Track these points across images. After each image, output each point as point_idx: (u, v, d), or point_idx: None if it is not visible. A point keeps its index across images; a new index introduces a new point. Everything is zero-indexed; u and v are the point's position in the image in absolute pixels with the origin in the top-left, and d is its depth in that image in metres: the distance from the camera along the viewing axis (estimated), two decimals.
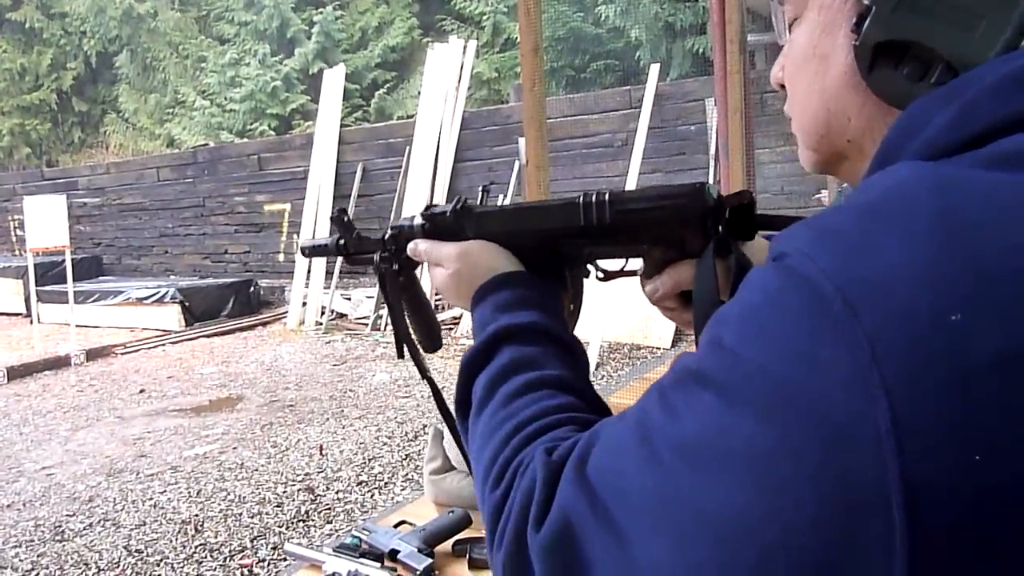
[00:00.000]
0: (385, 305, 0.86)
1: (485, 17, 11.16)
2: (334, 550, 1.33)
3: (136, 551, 3.12)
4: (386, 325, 7.14)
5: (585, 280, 0.79)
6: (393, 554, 1.28)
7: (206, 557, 3.02)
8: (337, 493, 3.55)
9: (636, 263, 0.75)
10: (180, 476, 3.90)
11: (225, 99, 12.16)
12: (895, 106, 0.43)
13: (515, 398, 0.58)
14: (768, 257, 0.37)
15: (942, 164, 0.36)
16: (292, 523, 3.27)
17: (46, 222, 6.98)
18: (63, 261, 7.69)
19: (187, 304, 7.96)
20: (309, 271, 7.73)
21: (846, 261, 0.33)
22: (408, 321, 0.87)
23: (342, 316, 7.73)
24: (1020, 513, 0.29)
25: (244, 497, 3.57)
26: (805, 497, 0.31)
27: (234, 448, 4.27)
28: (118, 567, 3.00)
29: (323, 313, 7.56)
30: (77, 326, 7.50)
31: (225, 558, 3.01)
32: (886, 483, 0.30)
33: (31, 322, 8.35)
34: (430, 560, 1.26)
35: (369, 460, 3.95)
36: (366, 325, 7.28)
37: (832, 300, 0.32)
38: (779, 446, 0.32)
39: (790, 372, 0.33)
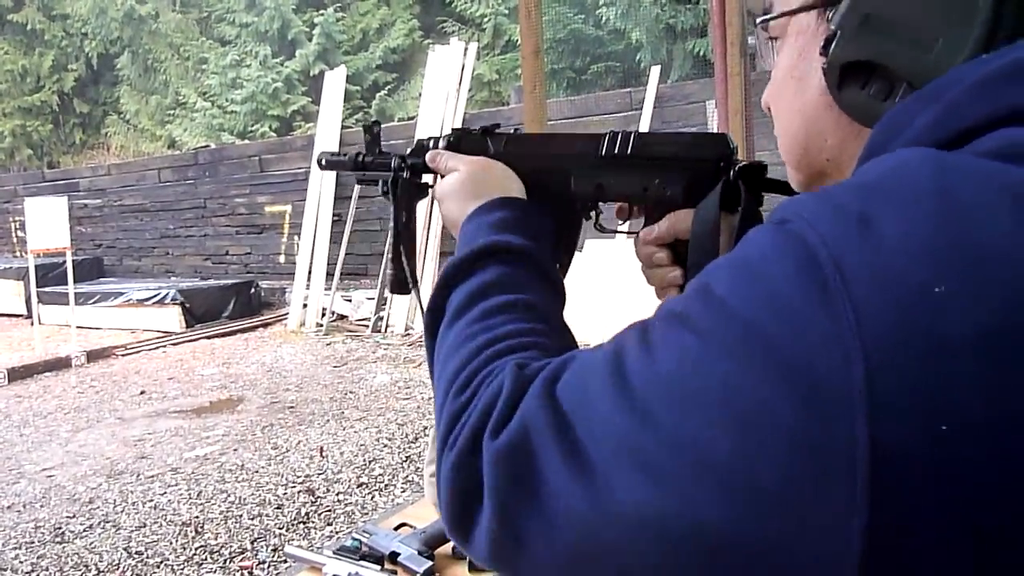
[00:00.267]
0: (392, 219, 0.88)
1: (486, 19, 11.16)
2: (334, 552, 1.33)
3: (136, 553, 3.11)
4: (387, 327, 7.15)
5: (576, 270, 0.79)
6: (393, 556, 1.28)
7: (206, 559, 3.02)
8: (337, 495, 3.55)
9: (635, 227, 0.76)
10: (180, 478, 3.90)
11: (226, 100, 12.16)
12: (865, 124, 0.45)
13: (493, 314, 0.58)
14: (770, 219, 0.38)
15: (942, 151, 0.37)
16: (292, 525, 3.27)
17: (47, 223, 6.98)
18: (64, 262, 7.69)
19: (188, 305, 7.96)
20: (310, 273, 7.73)
21: (844, 231, 0.34)
22: (391, 250, 0.87)
23: (343, 318, 7.73)
24: (980, 485, 0.30)
25: (244, 499, 3.57)
26: (776, 446, 0.32)
27: (234, 450, 4.27)
28: (118, 569, 3.00)
29: (324, 314, 7.56)
30: (78, 327, 7.50)
31: (225, 560, 3.01)
32: (854, 443, 0.31)
33: (32, 323, 8.34)
34: (430, 563, 1.26)
35: (369, 462, 3.94)
36: (367, 327, 7.28)
37: (825, 265, 0.33)
38: (755, 394, 0.33)
39: (775, 327, 0.34)
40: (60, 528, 3.41)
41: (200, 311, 8.06)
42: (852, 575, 0.31)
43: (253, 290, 8.68)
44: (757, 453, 0.33)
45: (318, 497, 3.54)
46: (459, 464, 0.47)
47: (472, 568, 1.26)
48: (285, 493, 3.61)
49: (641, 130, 0.74)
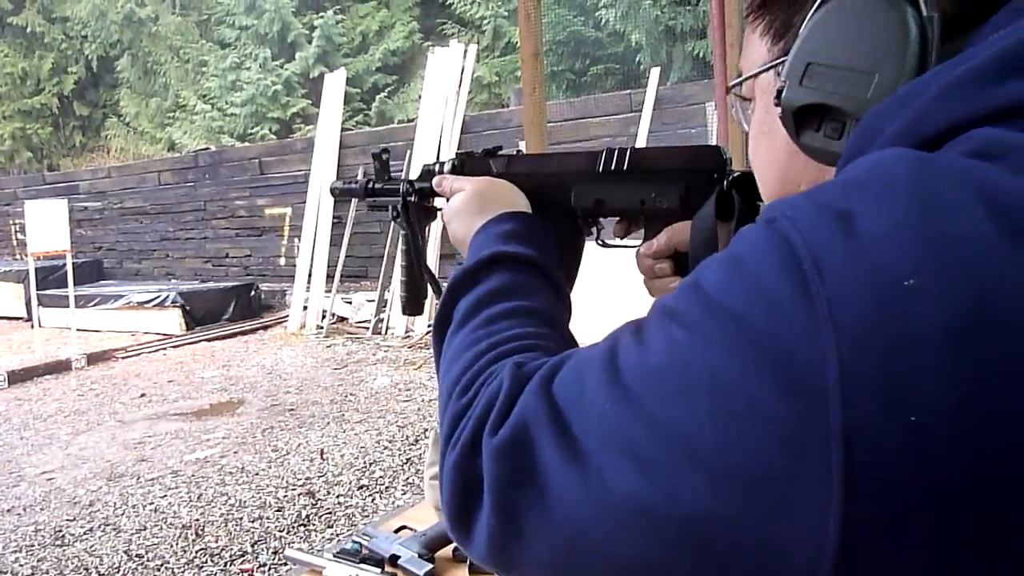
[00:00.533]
0: (402, 241, 0.94)
1: (485, 21, 11.17)
2: (334, 555, 1.32)
3: (136, 556, 3.11)
4: (387, 329, 7.14)
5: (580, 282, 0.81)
6: (394, 559, 1.28)
7: (207, 562, 3.02)
8: (338, 497, 3.55)
9: (635, 241, 0.78)
10: (181, 480, 3.90)
11: (226, 103, 12.17)
12: (828, 164, 0.47)
13: (497, 320, 0.60)
14: (760, 217, 0.40)
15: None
16: (293, 527, 3.26)
17: (47, 226, 6.98)
18: (64, 265, 7.69)
19: (188, 308, 7.96)
20: (310, 275, 7.73)
21: (823, 228, 0.35)
22: (403, 272, 0.91)
23: (343, 320, 7.73)
24: (951, 476, 0.31)
25: (245, 501, 3.56)
26: (759, 435, 0.34)
27: (235, 452, 4.27)
28: (118, 572, 3.00)
29: (324, 317, 7.56)
30: (78, 330, 7.50)
31: (226, 563, 3.00)
32: (829, 433, 0.32)
33: (32, 326, 8.34)
34: (431, 565, 1.26)
35: (370, 464, 3.94)
36: (367, 329, 7.28)
37: (804, 259, 0.34)
38: (740, 385, 0.35)
39: (759, 320, 0.35)
40: (60, 531, 3.41)
41: (200, 313, 8.06)
42: (831, 564, 0.32)
43: (253, 292, 8.68)
44: (742, 442, 0.34)
45: (318, 500, 3.53)
46: (460, 462, 0.48)
47: (473, 571, 1.25)
48: (285, 496, 3.61)
49: (637, 145, 0.79)
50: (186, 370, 6.45)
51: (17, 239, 11.36)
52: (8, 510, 3.69)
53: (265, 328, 8.04)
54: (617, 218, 0.81)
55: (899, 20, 0.43)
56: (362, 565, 1.28)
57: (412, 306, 0.91)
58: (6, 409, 5.58)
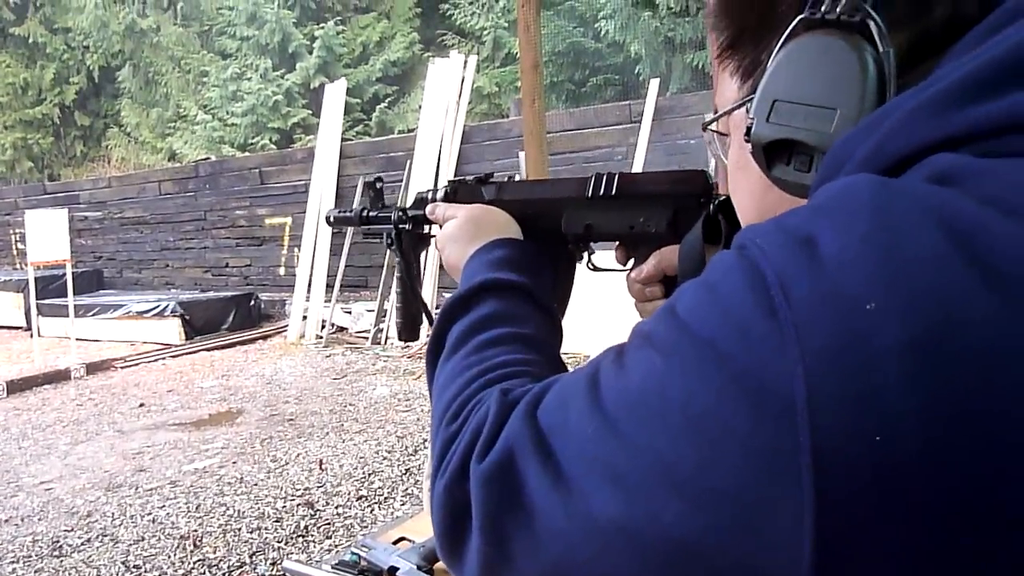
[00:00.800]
0: (396, 267, 0.98)
1: (485, 32, 11.23)
2: (333, 567, 1.32)
3: (134, 567, 3.10)
4: (387, 339, 7.14)
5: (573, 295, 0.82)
6: (392, 571, 1.28)
7: (205, 573, 3.01)
8: (337, 508, 3.54)
9: (627, 264, 0.78)
10: (179, 491, 3.88)
11: (227, 113, 12.22)
12: (799, 196, 0.48)
13: (488, 347, 0.61)
14: (733, 244, 0.41)
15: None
16: (291, 538, 3.25)
17: (47, 236, 6.99)
18: (64, 275, 7.69)
19: (187, 317, 7.96)
20: (310, 285, 7.74)
21: (790, 254, 0.36)
22: (399, 299, 0.93)
23: (342, 330, 7.73)
24: (914, 490, 0.31)
25: (243, 512, 3.55)
26: (733, 457, 0.34)
27: (233, 462, 4.26)
28: None
29: (323, 327, 7.56)
30: (77, 339, 7.50)
31: (224, 574, 2.99)
32: (800, 453, 0.33)
33: (31, 335, 8.34)
34: None
35: (369, 475, 3.93)
36: (366, 339, 7.27)
37: (772, 285, 0.35)
38: (714, 408, 0.35)
39: (729, 344, 0.36)
40: (58, 542, 3.39)
41: (200, 323, 8.06)
42: None
43: (253, 302, 8.68)
44: (718, 466, 0.35)
45: (317, 510, 3.52)
46: (449, 489, 0.49)
47: None
48: (284, 506, 3.60)
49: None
50: (185, 380, 6.44)
51: (17, 248, 11.38)
52: (6, 520, 3.67)
53: (264, 338, 8.04)
54: (615, 243, 0.83)
55: (856, 57, 0.45)
56: None
57: (408, 332, 0.94)
58: (5, 419, 5.57)
